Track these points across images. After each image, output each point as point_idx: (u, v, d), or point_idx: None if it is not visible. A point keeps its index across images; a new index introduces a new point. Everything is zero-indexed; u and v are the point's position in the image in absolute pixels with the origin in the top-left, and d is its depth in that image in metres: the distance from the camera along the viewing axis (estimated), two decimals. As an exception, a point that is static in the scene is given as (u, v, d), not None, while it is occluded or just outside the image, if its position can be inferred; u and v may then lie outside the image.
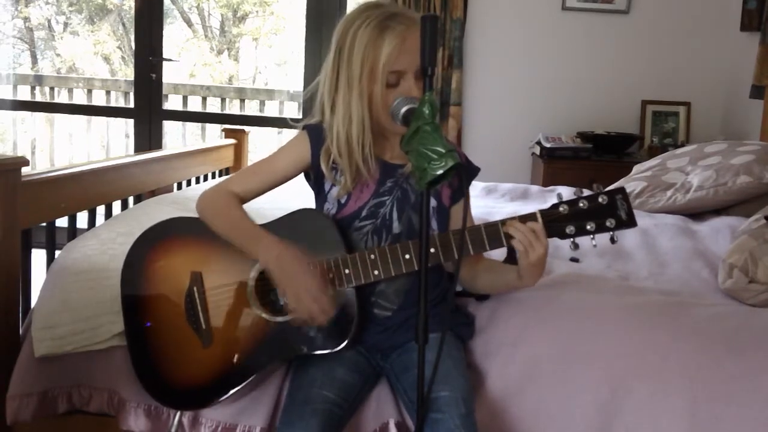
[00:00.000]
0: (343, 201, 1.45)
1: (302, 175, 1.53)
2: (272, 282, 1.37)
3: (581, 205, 1.34)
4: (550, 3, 3.82)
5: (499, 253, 1.58)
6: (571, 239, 1.35)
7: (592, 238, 1.35)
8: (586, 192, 1.37)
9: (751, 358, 1.42)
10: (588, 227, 1.33)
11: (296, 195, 1.81)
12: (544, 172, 3.50)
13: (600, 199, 1.33)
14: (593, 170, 3.46)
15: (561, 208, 1.34)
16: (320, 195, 1.49)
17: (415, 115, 1.20)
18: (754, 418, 1.36)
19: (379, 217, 1.45)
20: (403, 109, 1.33)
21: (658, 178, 2.75)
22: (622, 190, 1.35)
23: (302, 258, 1.33)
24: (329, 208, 1.46)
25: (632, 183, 2.77)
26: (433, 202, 1.48)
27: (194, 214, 1.47)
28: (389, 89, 1.38)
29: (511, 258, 1.43)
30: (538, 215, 1.35)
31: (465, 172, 1.42)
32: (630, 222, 1.33)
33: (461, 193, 1.51)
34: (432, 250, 1.36)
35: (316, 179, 1.49)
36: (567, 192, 2.95)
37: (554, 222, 1.34)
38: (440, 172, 1.15)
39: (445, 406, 1.30)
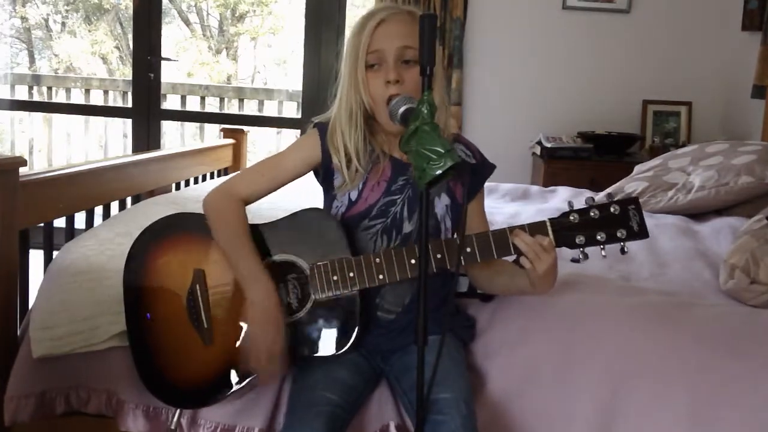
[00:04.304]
0: (353, 199, 1.44)
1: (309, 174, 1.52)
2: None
3: (592, 214, 1.31)
4: (551, 2, 3.81)
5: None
6: (581, 249, 1.32)
7: (602, 248, 1.32)
8: (588, 193, 1.36)
9: (752, 359, 1.42)
10: (598, 237, 1.30)
11: (298, 195, 1.80)
12: (544, 172, 3.49)
13: (612, 209, 1.30)
14: (594, 170, 3.45)
15: (571, 217, 1.31)
16: (329, 193, 1.48)
17: (413, 115, 1.20)
18: (755, 418, 1.36)
19: (390, 216, 1.44)
20: (402, 109, 1.32)
21: (659, 178, 2.74)
22: (635, 200, 1.32)
23: (281, 324, 1.35)
24: (338, 206, 1.45)
25: (633, 183, 2.76)
26: (446, 200, 1.47)
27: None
28: (370, 72, 1.41)
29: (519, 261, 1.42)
30: (548, 225, 1.32)
31: (467, 170, 1.41)
32: (642, 233, 1.30)
33: (475, 190, 1.52)
34: (438, 255, 1.34)
35: (324, 177, 1.48)
36: (567, 192, 2.95)
37: (564, 231, 1.31)
38: (439, 172, 1.14)
39: (446, 407, 1.29)
